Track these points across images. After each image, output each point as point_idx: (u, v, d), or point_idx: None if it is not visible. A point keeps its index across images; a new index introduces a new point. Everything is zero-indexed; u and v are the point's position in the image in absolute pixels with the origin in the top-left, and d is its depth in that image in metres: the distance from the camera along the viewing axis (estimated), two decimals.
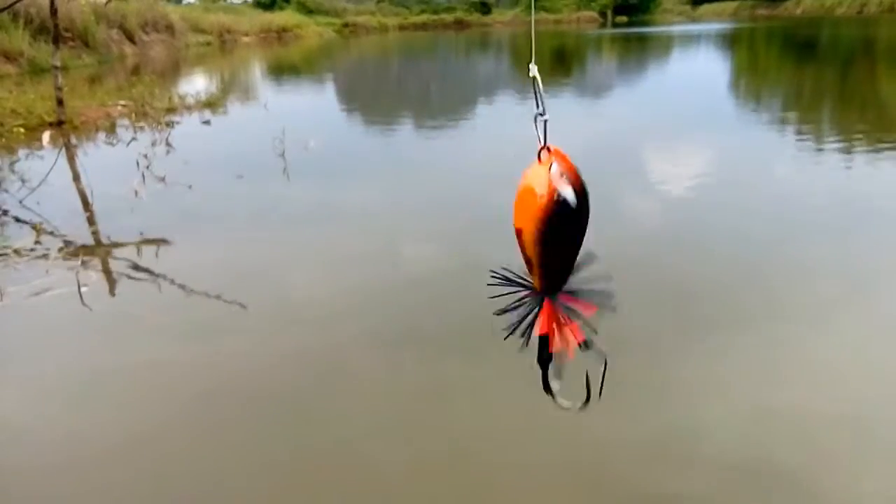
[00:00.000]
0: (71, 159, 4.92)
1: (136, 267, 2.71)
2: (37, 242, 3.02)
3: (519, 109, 7.16)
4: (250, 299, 2.37)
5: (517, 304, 0.58)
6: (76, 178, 4.38)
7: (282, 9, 36.19)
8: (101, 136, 5.78)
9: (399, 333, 2.12)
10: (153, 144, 5.13)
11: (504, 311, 0.57)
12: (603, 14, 42.93)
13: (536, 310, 0.57)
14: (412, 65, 15.78)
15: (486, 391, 1.78)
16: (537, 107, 0.53)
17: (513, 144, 5.28)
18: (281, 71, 13.40)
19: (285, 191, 3.95)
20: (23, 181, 4.10)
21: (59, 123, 6.01)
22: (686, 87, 8.81)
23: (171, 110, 6.90)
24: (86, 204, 3.73)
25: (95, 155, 5.17)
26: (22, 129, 5.61)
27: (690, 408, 1.67)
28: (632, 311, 2.19)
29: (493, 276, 0.58)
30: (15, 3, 9.20)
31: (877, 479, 1.41)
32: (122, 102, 7.06)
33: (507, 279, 0.58)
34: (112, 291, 2.51)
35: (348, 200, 3.74)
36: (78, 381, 1.92)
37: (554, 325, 0.57)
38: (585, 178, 0.52)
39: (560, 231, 0.53)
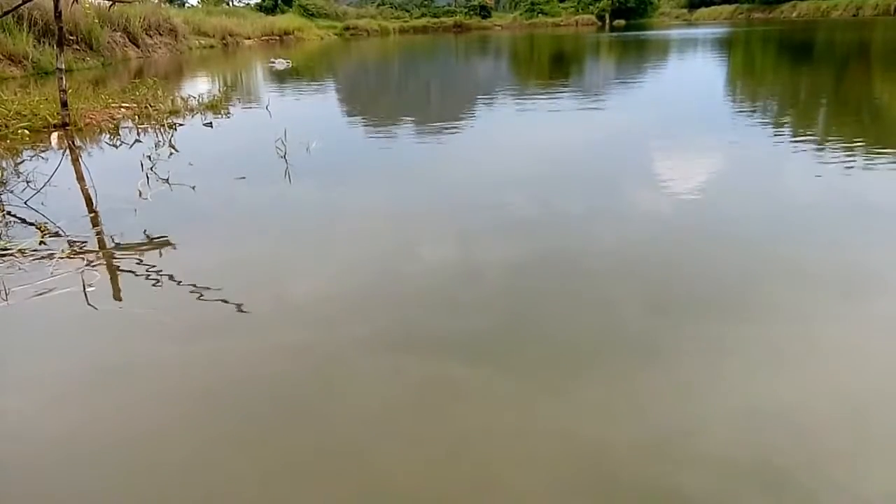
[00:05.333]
0: (75, 161, 4.96)
1: (141, 267, 2.75)
2: (42, 243, 3.05)
3: (516, 112, 7.20)
4: (253, 299, 2.41)
5: None
6: (80, 179, 4.42)
7: (283, 12, 36.40)
8: (105, 137, 5.82)
9: (400, 333, 2.15)
10: (157, 146, 5.17)
11: None
12: (601, 18, 43.12)
13: None
14: (412, 67, 15.84)
15: (486, 390, 1.81)
16: None
17: (509, 148, 5.31)
18: (283, 73, 13.44)
19: (287, 192, 3.99)
20: (28, 182, 4.14)
21: (64, 125, 6.06)
22: (683, 90, 8.85)
23: (174, 112, 6.95)
24: (90, 205, 3.77)
25: (99, 156, 5.21)
26: (27, 131, 5.65)
27: (689, 407, 1.70)
28: (630, 310, 2.22)
29: None
30: (19, 5, 9.27)
31: (876, 477, 1.44)
32: (126, 105, 7.11)
33: None
34: (117, 291, 2.54)
35: (350, 202, 3.78)
36: (82, 381, 1.94)
37: None
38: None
39: None
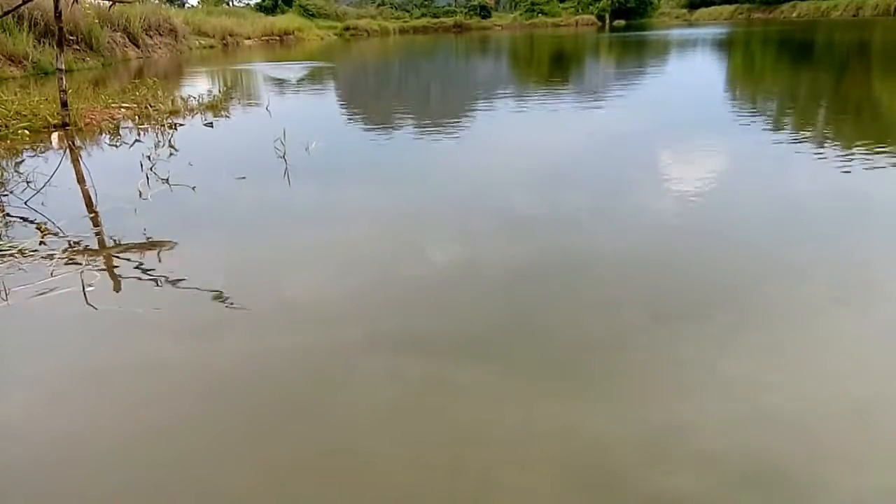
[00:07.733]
0: (75, 161, 4.96)
1: (141, 267, 2.75)
2: (42, 243, 3.05)
3: (516, 113, 7.20)
4: (252, 300, 2.41)
5: None
6: (80, 179, 4.42)
7: (283, 12, 36.41)
8: (105, 137, 5.82)
9: (399, 334, 2.15)
10: (156, 146, 5.16)
11: None
12: (601, 18, 43.15)
13: None
14: (412, 68, 15.84)
15: (485, 390, 1.81)
16: None
17: (509, 148, 5.32)
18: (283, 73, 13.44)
19: (287, 192, 3.99)
20: (28, 182, 4.14)
21: (64, 125, 6.07)
22: (683, 91, 8.85)
23: (174, 112, 6.95)
24: (90, 205, 3.77)
25: (99, 157, 5.22)
26: (27, 131, 5.65)
27: (690, 406, 1.70)
28: (631, 310, 2.22)
29: None
30: (20, 6, 9.27)
31: (876, 477, 1.44)
32: (126, 105, 7.11)
33: None
34: (116, 291, 2.54)
35: (350, 202, 3.78)
36: (81, 381, 1.94)
37: None
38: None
39: None
